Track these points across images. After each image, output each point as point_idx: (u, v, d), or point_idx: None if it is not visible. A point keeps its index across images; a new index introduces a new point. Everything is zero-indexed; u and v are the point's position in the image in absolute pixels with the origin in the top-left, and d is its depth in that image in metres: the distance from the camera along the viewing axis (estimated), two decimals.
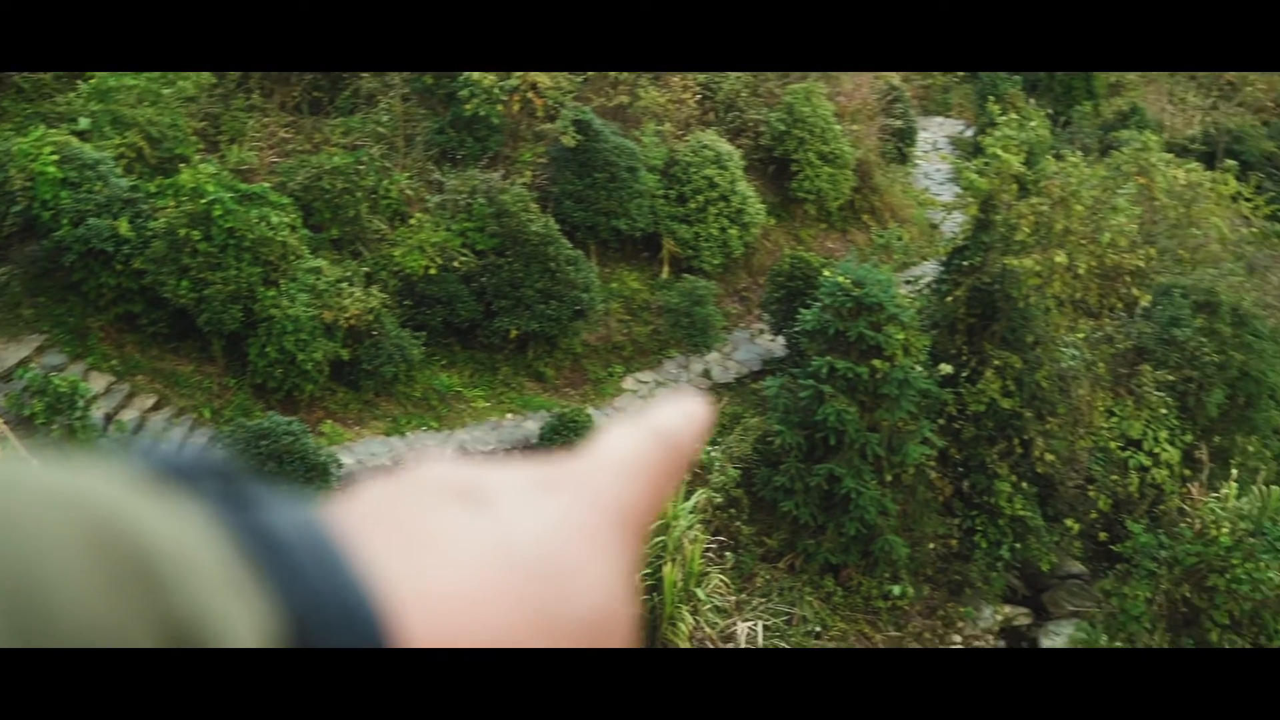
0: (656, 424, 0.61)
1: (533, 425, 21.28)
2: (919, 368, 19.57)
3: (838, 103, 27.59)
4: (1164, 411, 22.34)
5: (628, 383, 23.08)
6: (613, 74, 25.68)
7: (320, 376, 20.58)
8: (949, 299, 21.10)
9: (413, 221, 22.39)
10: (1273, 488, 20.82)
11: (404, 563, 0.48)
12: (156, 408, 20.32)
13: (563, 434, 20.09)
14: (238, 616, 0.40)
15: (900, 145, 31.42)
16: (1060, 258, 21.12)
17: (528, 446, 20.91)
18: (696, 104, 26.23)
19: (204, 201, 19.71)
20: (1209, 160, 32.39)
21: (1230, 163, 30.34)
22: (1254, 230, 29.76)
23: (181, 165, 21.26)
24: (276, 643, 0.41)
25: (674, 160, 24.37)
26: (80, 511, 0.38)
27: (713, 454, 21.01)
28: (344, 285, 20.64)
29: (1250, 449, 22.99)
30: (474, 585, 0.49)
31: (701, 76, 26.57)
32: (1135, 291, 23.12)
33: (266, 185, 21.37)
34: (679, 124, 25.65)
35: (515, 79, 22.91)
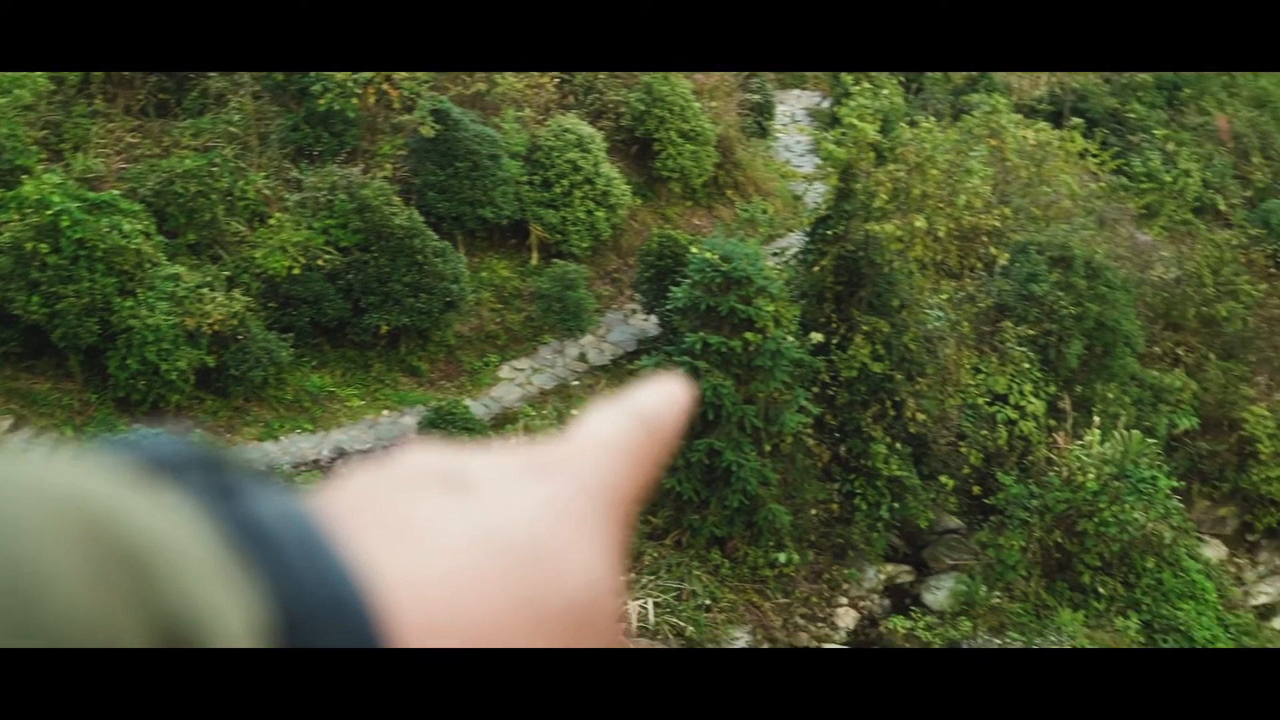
0: (637, 405, 0.61)
1: (409, 420, 21.06)
2: (791, 338, 19.84)
3: (696, 81, 27.76)
4: (1027, 365, 23.03)
5: (504, 371, 22.97)
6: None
7: (186, 385, 20.06)
8: (816, 269, 21.42)
9: (272, 221, 21.91)
10: (1133, 432, 21.64)
11: (390, 551, 0.48)
12: (14, 429, 19.60)
13: (441, 427, 19.92)
14: (226, 608, 0.40)
15: (759, 120, 31.75)
16: (920, 222, 21.61)
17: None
18: (555, 88, 26.14)
19: (50, 213, 19.03)
20: (1056, 120, 33.39)
21: (1076, 121, 31.38)
22: (1101, 185, 30.81)
23: (24, 177, 20.46)
24: (265, 633, 0.41)
25: (536, 146, 24.26)
26: (68, 505, 0.38)
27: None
28: (205, 291, 20.12)
29: (1110, 396, 23.82)
30: (460, 571, 0.49)
31: None
32: (993, 251, 23.78)
33: (116, 193, 20.69)
34: (539, 109, 25.54)
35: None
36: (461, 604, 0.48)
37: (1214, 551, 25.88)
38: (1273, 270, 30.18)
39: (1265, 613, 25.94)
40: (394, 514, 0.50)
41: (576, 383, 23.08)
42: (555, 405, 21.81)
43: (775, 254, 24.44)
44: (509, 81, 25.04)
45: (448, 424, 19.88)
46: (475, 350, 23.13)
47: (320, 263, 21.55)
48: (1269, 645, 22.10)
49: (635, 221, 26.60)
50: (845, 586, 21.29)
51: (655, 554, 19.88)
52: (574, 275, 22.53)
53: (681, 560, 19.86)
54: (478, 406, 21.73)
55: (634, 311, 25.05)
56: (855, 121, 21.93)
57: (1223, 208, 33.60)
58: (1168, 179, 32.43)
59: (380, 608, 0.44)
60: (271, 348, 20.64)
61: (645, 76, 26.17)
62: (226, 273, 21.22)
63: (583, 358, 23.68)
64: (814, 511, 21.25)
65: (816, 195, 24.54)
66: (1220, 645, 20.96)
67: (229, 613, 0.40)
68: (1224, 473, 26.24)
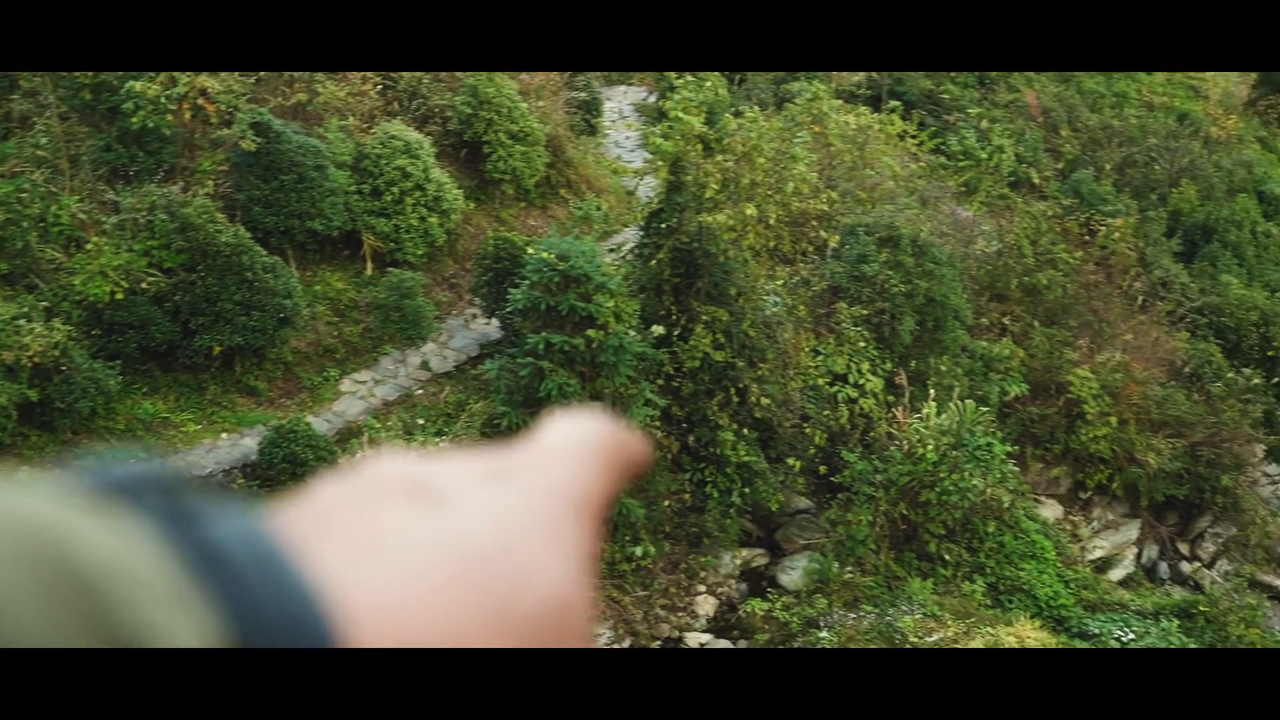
0: (598, 416, 0.61)
1: (250, 442, 20.49)
2: (632, 332, 19.94)
3: (521, 81, 27.67)
4: (863, 344, 23.62)
5: (345, 385, 22.54)
6: (288, 72, 24.87)
7: (9, 422, 19.14)
8: (652, 262, 21.58)
9: (90, 246, 21.04)
10: (967, 402, 22.39)
11: (354, 565, 0.47)
12: None
13: (283, 447, 19.44)
14: (180, 630, 0.40)
15: (587, 117, 31.82)
16: (750, 210, 21.96)
17: (248, 465, 20.13)
18: (379, 95, 25.74)
19: None
20: (875, 103, 34.32)
21: (894, 103, 32.28)
22: (922, 165, 31.79)
23: None
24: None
25: (363, 154, 23.86)
26: (20, 529, 0.38)
27: (441, 445, 20.81)
28: (21, 322, 19.21)
29: (943, 368, 24.59)
30: (426, 583, 0.48)
31: None
32: (823, 234, 24.31)
33: None
34: (363, 117, 25.12)
35: (183, 84, 21.83)
36: (426, 615, 0.47)
37: (1050, 511, 26.96)
38: (1086, 238, 31.57)
39: (1102, 566, 27.15)
40: (359, 527, 0.50)
41: (420, 391, 22.79)
42: (400, 416, 21.50)
43: (612, 250, 24.54)
44: (330, 90, 24.57)
45: (290, 443, 19.41)
46: (314, 365, 22.63)
47: (144, 286, 20.79)
48: (1107, 597, 23.10)
49: (470, 226, 26.39)
50: (703, 574, 21.52)
51: None
52: (410, 283, 22.23)
53: None
54: (320, 422, 21.28)
55: (474, 316, 24.85)
56: (680, 115, 22.17)
57: (1036, 180, 35.03)
58: (983, 156, 33.66)
59: (339, 624, 0.44)
60: (98, 377, 19.83)
61: (469, 79, 25.96)
62: (44, 302, 20.31)
63: (425, 366, 23.40)
64: (667, 503, 21.42)
65: (648, 189, 24.71)
66: (1061, 601, 21.83)
67: (182, 635, 0.40)
68: (1054, 435, 27.35)
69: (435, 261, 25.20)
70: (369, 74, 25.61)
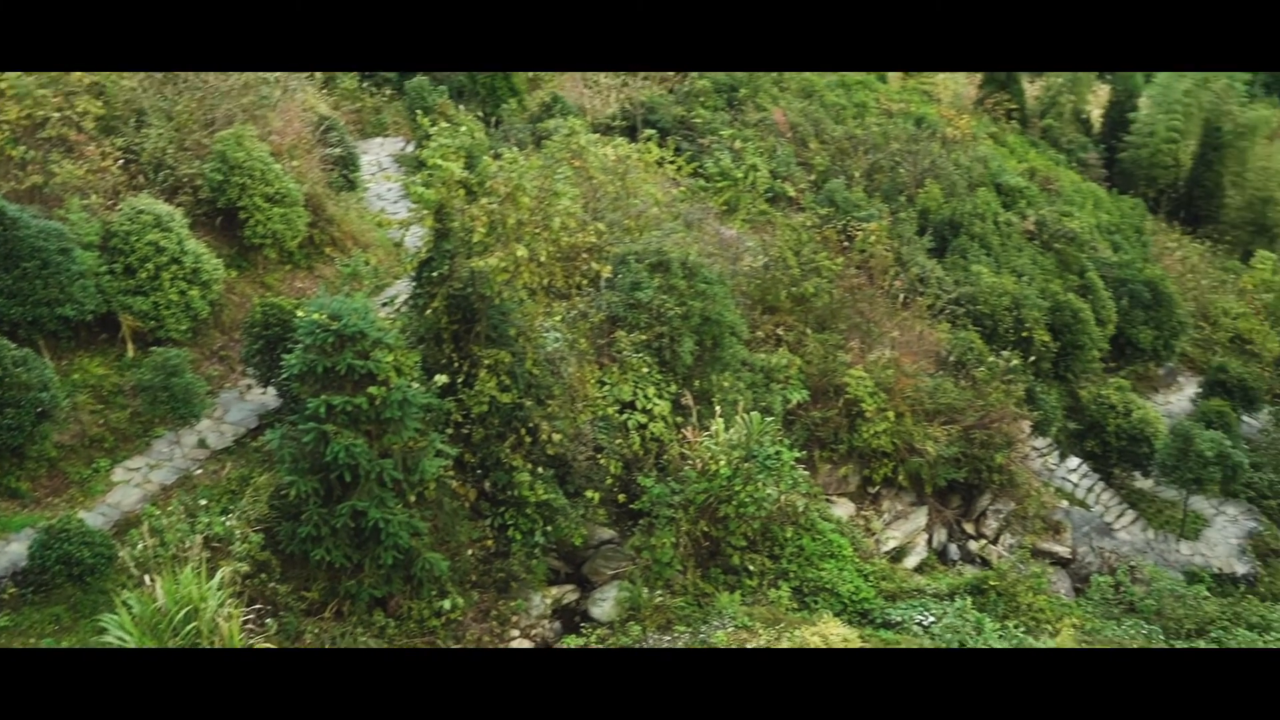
0: None
1: (18, 547, 19.22)
2: (415, 384, 19.63)
3: (271, 142, 27.02)
4: (646, 370, 23.93)
5: (117, 474, 21.42)
6: (17, 153, 23.60)
7: None
8: (428, 312, 21.33)
9: None
10: (753, 414, 22.90)
11: None
12: None
13: (55, 548, 18.32)
14: None
15: (345, 173, 31.31)
16: (521, 250, 21.96)
17: (18, 572, 18.88)
18: (121, 169, 24.69)
19: None
20: (631, 134, 34.96)
21: (650, 132, 32.95)
22: (683, 189, 32.54)
23: None
24: None
25: (111, 232, 22.81)
26: None
27: (228, 523, 20.00)
28: None
29: (726, 384, 25.13)
30: None
31: (120, 141, 25.01)
32: (595, 266, 24.53)
33: None
34: (106, 194, 24.04)
35: None
36: None
37: (843, 510, 27.84)
38: (846, 244, 32.89)
39: (897, 555, 28.17)
40: None
41: (200, 471, 21.87)
42: (180, 499, 20.56)
43: (385, 304, 24.16)
44: (68, 169, 23.46)
45: (62, 543, 18.31)
46: (81, 458, 21.43)
47: None
48: (905, 585, 23.93)
49: (234, 295, 25.56)
50: (515, 619, 21.30)
51: (316, 630, 19.13)
52: (176, 361, 21.31)
53: (345, 630, 19.21)
54: (94, 517, 20.17)
55: (249, 387, 24.04)
56: (439, 161, 22.02)
57: (793, 194, 36.28)
58: (739, 175, 34.68)
59: None
60: None
61: (217, 144, 25.17)
62: None
63: (202, 444, 22.47)
64: (470, 551, 21.14)
65: (416, 239, 24.44)
66: (863, 595, 22.50)
67: None
68: (838, 435, 28.28)
69: (201, 335, 24.29)
70: (108, 149, 24.56)
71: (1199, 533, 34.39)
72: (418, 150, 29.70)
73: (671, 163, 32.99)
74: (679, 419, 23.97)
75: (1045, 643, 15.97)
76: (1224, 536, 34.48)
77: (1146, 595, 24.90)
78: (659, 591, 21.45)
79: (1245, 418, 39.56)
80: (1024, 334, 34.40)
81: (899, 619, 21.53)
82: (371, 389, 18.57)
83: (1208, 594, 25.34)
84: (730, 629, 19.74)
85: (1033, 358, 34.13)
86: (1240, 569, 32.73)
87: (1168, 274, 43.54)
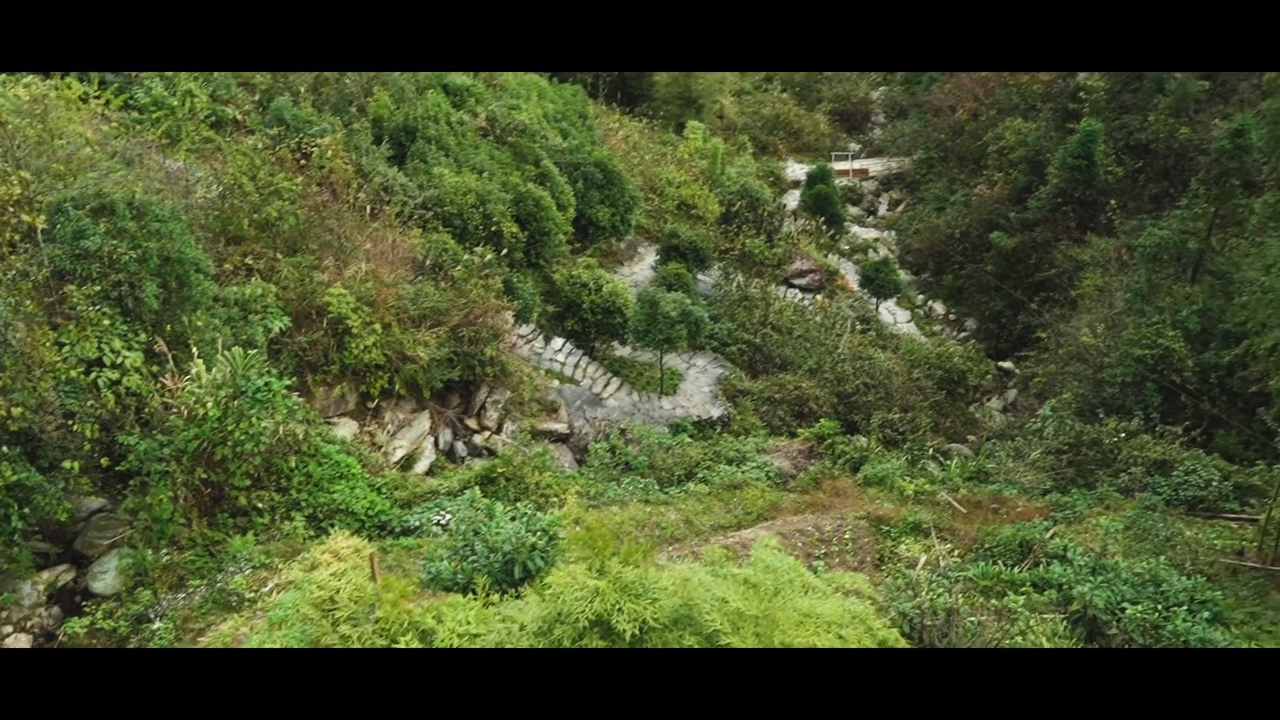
0: None
1: None
2: None
3: None
4: (107, 323, 22.20)
5: None
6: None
7: None
8: None
9: None
10: (234, 350, 22.02)
11: None
12: None
13: None
14: None
15: None
16: None
17: None
18: None
19: None
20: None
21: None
22: (114, 125, 30.18)
23: None
24: None
25: None
26: None
27: None
28: None
29: (200, 324, 23.88)
30: None
31: None
32: (27, 218, 22.33)
33: None
34: None
35: None
36: None
37: (346, 429, 27.61)
38: (303, 162, 32.05)
39: (406, 464, 28.45)
40: None
41: None
42: None
43: None
44: None
45: None
46: None
47: None
48: (418, 490, 24.25)
49: None
50: (5, 614, 19.43)
51: None
52: None
53: None
54: None
55: None
56: None
57: (237, 116, 34.73)
58: (175, 103, 32.66)
59: None
60: None
61: None
62: None
63: None
64: None
65: None
66: (379, 508, 22.56)
67: None
68: (328, 356, 27.88)
69: None
70: None
71: (676, 387, 37.44)
72: None
73: (97, 97, 30.48)
74: (155, 368, 22.55)
75: (552, 514, 16.79)
76: (698, 387, 37.78)
77: (640, 453, 26.83)
78: (165, 550, 20.35)
79: (700, 276, 43.29)
80: (493, 229, 35.36)
81: (417, 523, 21.84)
82: None
83: (690, 440, 27.73)
84: (249, 571, 19.16)
85: (505, 250, 35.23)
86: (715, 412, 36.04)
87: (614, 153, 46.21)
